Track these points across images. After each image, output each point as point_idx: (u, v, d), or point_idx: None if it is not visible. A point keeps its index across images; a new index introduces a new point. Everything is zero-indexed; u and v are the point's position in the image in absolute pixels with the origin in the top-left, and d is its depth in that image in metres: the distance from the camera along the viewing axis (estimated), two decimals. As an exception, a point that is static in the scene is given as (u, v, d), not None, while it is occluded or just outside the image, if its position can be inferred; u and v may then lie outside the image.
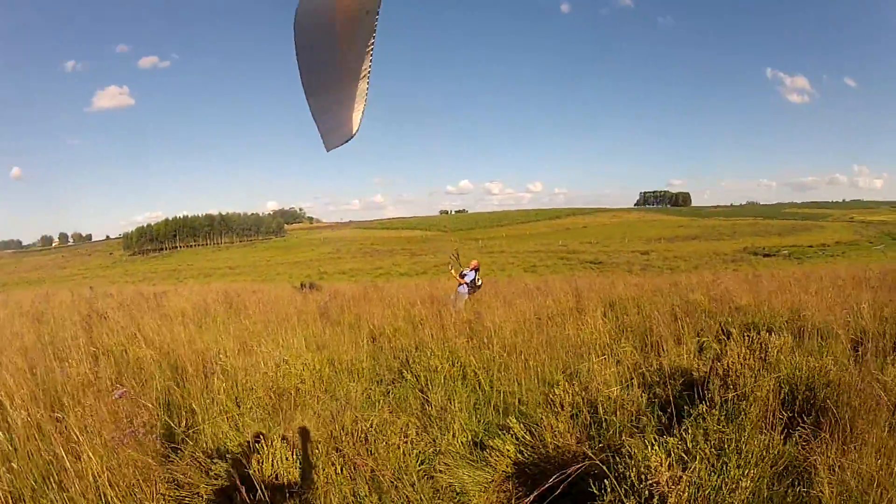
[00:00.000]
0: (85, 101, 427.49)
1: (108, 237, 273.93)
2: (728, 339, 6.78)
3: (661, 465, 3.47)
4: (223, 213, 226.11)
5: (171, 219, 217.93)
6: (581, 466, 3.65)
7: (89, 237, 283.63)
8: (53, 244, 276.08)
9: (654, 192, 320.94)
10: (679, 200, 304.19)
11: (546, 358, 6.85)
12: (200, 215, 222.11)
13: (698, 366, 6.27)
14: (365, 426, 4.90)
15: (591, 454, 3.82)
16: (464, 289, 13.61)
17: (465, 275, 13.66)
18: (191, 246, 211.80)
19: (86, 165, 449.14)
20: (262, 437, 4.90)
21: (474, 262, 13.98)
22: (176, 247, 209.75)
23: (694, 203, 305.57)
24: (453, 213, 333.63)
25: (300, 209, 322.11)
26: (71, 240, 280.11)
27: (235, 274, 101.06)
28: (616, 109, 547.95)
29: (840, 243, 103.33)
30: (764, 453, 3.76)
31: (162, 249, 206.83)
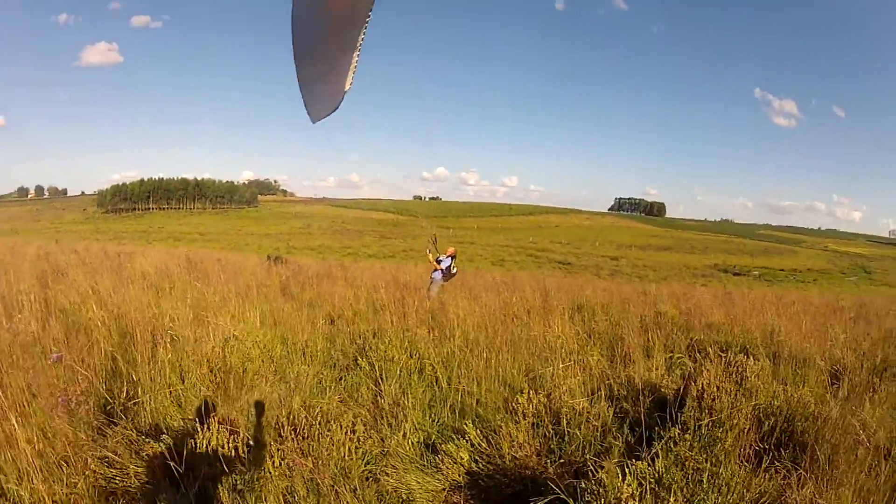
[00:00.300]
0: (74, 56, 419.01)
1: (83, 193, 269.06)
2: (702, 357, 6.49)
3: (634, 498, 3.09)
4: (198, 179, 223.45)
5: (146, 179, 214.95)
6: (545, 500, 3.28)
7: (65, 192, 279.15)
8: (29, 196, 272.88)
9: (629, 199, 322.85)
10: (654, 210, 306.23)
11: (509, 358, 6.44)
12: (176, 178, 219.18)
13: (667, 383, 5.96)
14: (311, 416, 4.47)
15: (552, 475, 3.44)
16: (438, 275, 13.42)
17: (441, 261, 13.42)
18: (163, 208, 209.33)
19: (69, 119, 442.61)
20: (202, 415, 4.52)
21: (451, 250, 13.81)
22: (149, 208, 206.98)
23: (668, 214, 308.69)
24: (427, 199, 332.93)
25: (275, 181, 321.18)
26: (47, 193, 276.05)
27: (205, 240, 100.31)
28: (600, 112, 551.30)
29: (812, 270, 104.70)
30: (743, 490, 3.41)
31: (135, 210, 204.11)
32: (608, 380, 5.88)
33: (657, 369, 6.53)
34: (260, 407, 4.87)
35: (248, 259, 24.59)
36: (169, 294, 9.65)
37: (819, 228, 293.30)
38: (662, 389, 5.65)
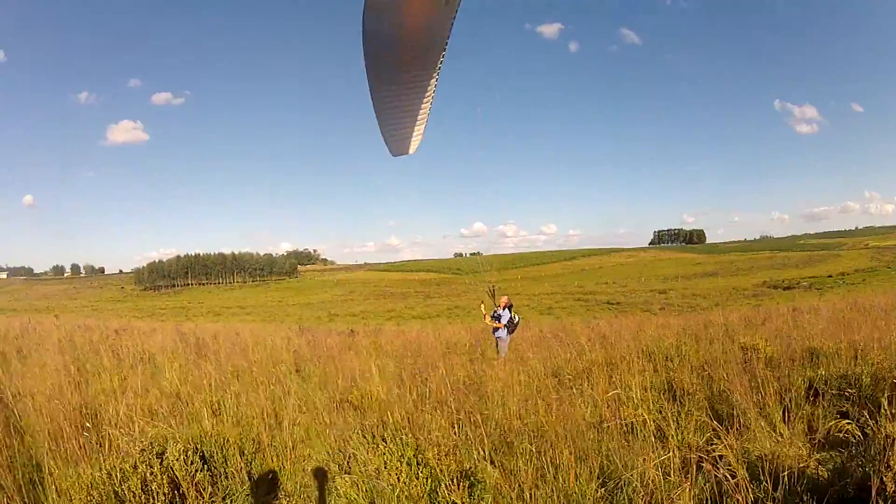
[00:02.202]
0: (99, 135, 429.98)
1: (120, 271, 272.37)
2: (855, 407, 4.53)
3: None
4: (235, 253, 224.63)
5: (183, 256, 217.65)
6: None
7: (102, 270, 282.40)
8: (65, 274, 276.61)
9: (667, 230, 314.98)
10: (693, 238, 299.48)
11: (569, 450, 4.48)
12: (213, 254, 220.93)
13: (817, 467, 3.99)
14: None
15: None
16: (503, 332, 11.87)
17: (500, 316, 11.92)
18: (203, 284, 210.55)
19: (100, 198, 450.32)
20: None
21: (504, 299, 12.17)
22: (188, 283, 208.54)
23: (709, 240, 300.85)
24: (468, 255, 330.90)
25: (314, 251, 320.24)
26: (83, 271, 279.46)
27: (245, 313, 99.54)
28: (626, 148, 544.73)
29: (859, 271, 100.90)
30: None
31: (173, 286, 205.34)
32: (719, 468, 3.93)
33: (790, 436, 4.58)
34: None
35: (279, 330, 22.86)
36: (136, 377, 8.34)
37: (856, 228, 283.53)
38: (818, 480, 3.68)
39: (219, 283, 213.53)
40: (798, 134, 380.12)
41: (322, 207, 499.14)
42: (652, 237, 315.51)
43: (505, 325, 11.77)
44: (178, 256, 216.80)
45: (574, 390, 6.61)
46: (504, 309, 11.94)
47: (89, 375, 9.00)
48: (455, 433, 5.25)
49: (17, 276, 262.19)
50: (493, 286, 12.45)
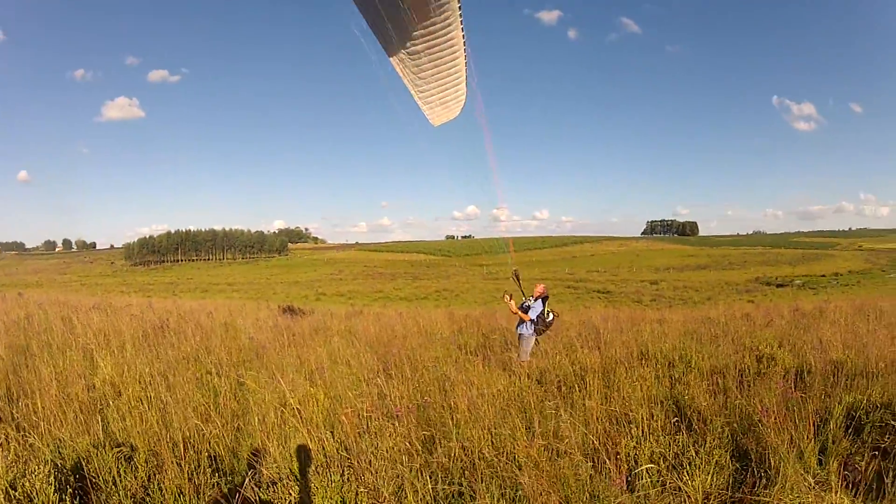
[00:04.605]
0: (94, 111, 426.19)
1: (112, 247, 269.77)
2: None
3: None
4: (227, 230, 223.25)
5: (174, 232, 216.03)
6: None
7: (93, 245, 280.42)
8: (56, 249, 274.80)
9: (660, 220, 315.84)
10: (686, 229, 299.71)
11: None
12: (204, 230, 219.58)
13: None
14: None
15: None
16: (528, 328, 9.47)
17: (531, 307, 9.57)
18: (193, 260, 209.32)
19: (94, 174, 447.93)
20: None
21: (540, 288, 9.90)
22: (178, 260, 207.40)
23: (701, 232, 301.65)
24: (460, 238, 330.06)
25: (306, 229, 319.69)
26: (74, 246, 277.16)
27: (233, 290, 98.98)
28: (622, 136, 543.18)
29: (853, 272, 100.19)
30: None
31: (163, 262, 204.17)
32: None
33: (832, 484, 3.52)
34: None
35: (259, 311, 21.54)
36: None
37: (850, 229, 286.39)
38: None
39: (209, 259, 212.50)
40: (796, 131, 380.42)
41: (316, 186, 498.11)
42: (644, 227, 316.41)
43: (532, 320, 9.42)
44: (169, 232, 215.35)
45: (563, 401, 5.47)
46: (536, 300, 9.66)
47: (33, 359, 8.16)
48: (408, 460, 4.15)
49: (8, 252, 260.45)
50: (518, 273, 10.15)
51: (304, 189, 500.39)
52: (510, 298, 9.65)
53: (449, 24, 6.03)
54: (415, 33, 5.98)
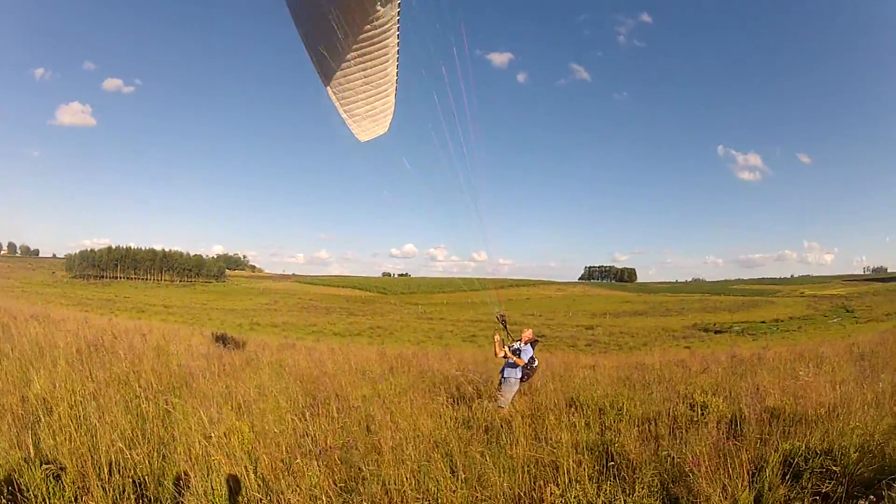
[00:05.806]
0: (49, 114, 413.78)
1: (54, 255, 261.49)
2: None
3: None
4: (166, 250, 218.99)
5: (115, 247, 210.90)
6: None
7: (37, 252, 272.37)
8: (2, 252, 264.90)
9: (599, 266, 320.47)
10: (625, 276, 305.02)
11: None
12: (144, 248, 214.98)
13: None
14: None
15: None
16: (515, 372, 9.16)
17: (521, 351, 9.29)
18: (131, 278, 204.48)
19: (42, 179, 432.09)
20: None
21: (528, 333, 9.67)
22: (116, 277, 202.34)
23: (640, 279, 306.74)
24: (396, 275, 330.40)
25: (244, 256, 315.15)
26: (19, 251, 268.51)
27: (168, 313, 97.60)
28: (565, 181, 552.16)
29: (794, 318, 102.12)
30: None
31: (103, 277, 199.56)
32: None
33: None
34: None
35: (193, 337, 21.13)
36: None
37: (791, 276, 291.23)
38: None
39: (147, 279, 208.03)
40: (740, 180, 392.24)
41: (257, 212, 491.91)
42: (582, 272, 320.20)
43: (527, 364, 9.18)
44: (110, 248, 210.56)
45: (488, 446, 5.40)
46: (527, 344, 9.41)
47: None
48: (327, 502, 4.02)
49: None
50: (503, 316, 9.89)
51: (244, 215, 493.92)
52: (498, 339, 9.52)
53: (386, 31, 5.95)
54: (344, 41, 5.87)
